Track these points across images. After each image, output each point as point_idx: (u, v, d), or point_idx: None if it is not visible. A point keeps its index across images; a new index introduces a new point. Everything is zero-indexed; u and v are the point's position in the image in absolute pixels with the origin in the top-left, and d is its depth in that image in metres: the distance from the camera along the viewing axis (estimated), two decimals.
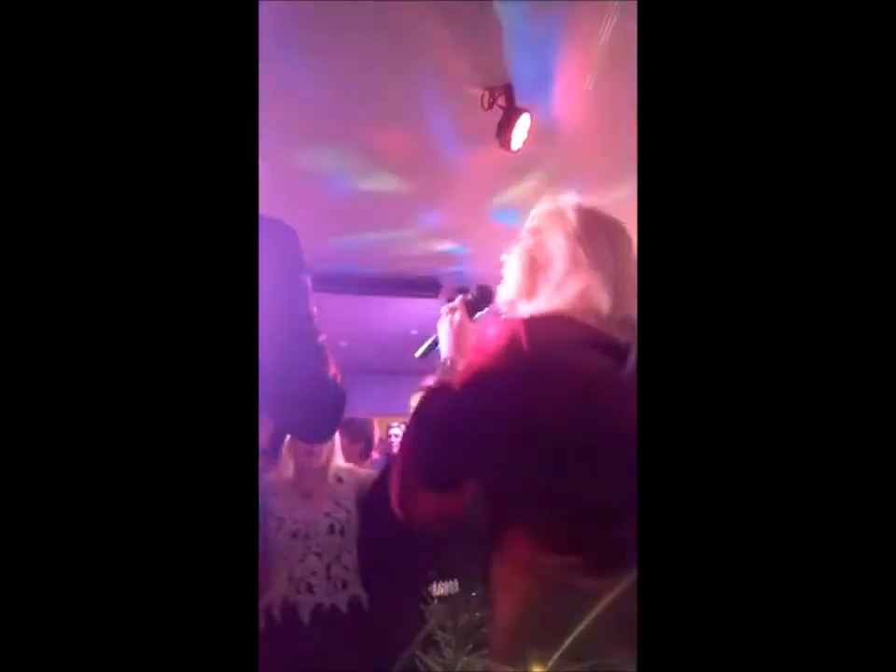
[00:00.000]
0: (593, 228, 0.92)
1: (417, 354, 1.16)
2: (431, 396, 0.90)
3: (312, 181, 3.08)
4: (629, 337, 0.80)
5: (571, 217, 0.94)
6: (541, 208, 0.99)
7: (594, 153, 2.86)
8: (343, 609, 1.79)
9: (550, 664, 0.70)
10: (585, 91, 2.42)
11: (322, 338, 0.93)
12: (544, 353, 0.80)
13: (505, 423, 0.79)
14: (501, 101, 2.42)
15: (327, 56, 2.23)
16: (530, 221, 0.99)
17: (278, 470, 2.00)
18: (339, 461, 2.02)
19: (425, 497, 0.82)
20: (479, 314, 1.09)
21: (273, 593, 1.78)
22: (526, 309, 0.93)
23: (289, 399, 0.90)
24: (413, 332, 5.50)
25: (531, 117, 2.44)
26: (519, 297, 0.96)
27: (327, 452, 1.97)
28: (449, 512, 0.83)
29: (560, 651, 0.70)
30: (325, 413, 0.97)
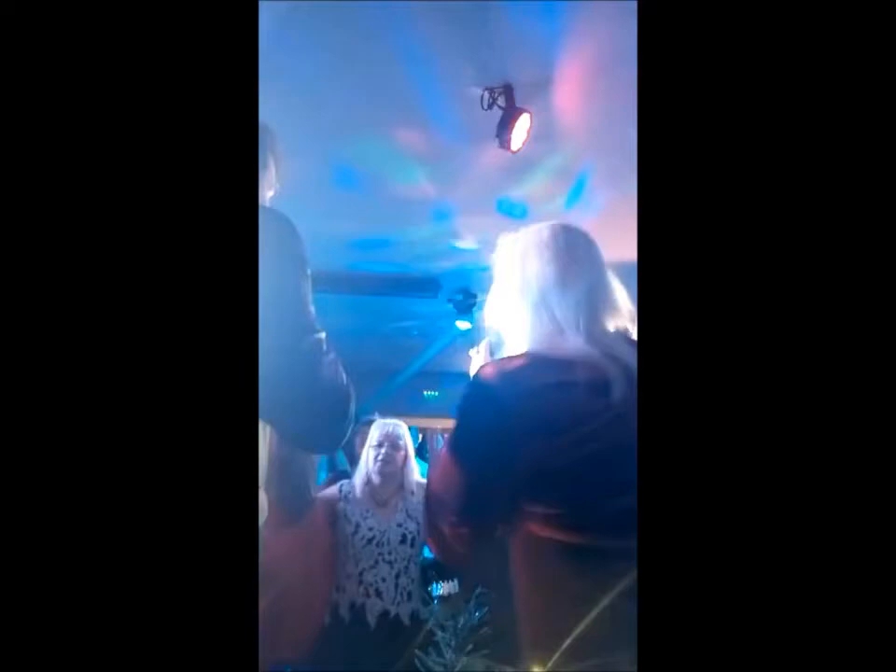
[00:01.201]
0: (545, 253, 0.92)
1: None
2: (444, 450, 0.91)
3: (313, 180, 3.08)
4: (607, 366, 0.79)
5: (521, 247, 0.95)
6: (503, 242, 1.00)
7: (594, 153, 2.86)
8: (406, 620, 1.86)
9: (550, 664, 0.70)
10: (585, 91, 2.42)
11: (322, 335, 0.88)
12: (518, 395, 0.79)
13: (500, 465, 0.78)
14: (501, 101, 2.42)
15: (326, 56, 2.23)
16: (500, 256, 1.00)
17: (357, 478, 2.09)
18: (414, 475, 2.11)
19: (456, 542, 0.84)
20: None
21: (343, 593, 1.86)
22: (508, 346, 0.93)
23: (291, 405, 0.85)
24: (414, 333, 5.50)
25: (531, 117, 2.44)
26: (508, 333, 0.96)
27: (402, 462, 2.07)
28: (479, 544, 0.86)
29: (560, 651, 0.70)
30: (330, 420, 0.90)
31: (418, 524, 1.97)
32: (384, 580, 1.87)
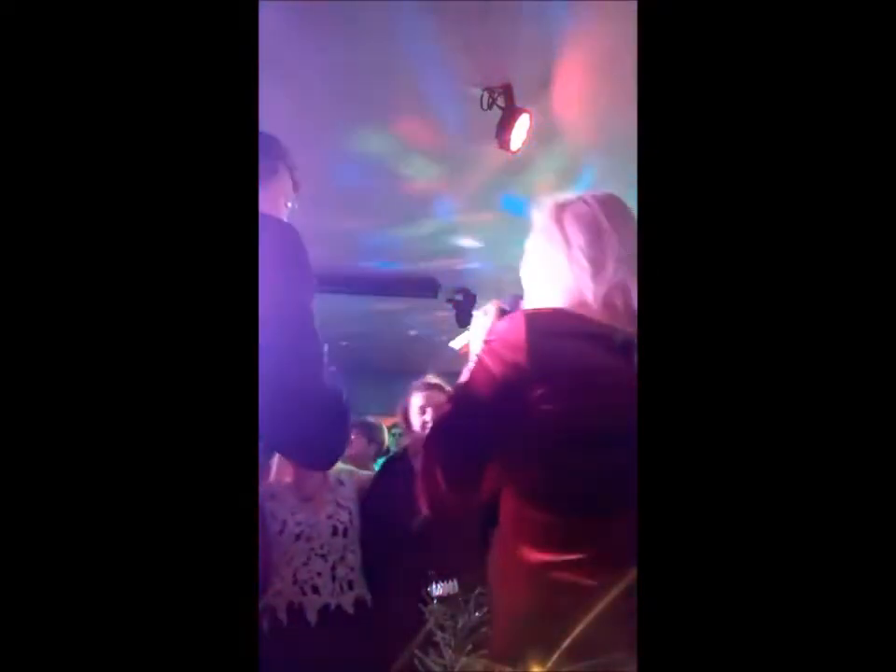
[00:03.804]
0: (578, 222, 0.93)
1: (453, 344, 1.17)
2: (451, 399, 0.92)
3: (312, 181, 3.08)
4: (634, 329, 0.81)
5: (553, 216, 0.95)
6: (534, 211, 1.01)
7: (594, 153, 2.86)
8: (350, 609, 1.80)
9: (550, 663, 0.70)
10: (585, 91, 2.43)
11: (324, 348, 0.89)
12: (543, 346, 0.80)
13: (507, 419, 0.79)
14: (501, 101, 2.42)
15: (326, 55, 2.23)
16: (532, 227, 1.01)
17: (278, 473, 2.00)
18: (339, 463, 2.01)
19: (450, 495, 0.84)
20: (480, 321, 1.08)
21: (278, 594, 1.76)
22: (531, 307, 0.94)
23: (291, 423, 0.85)
24: (412, 332, 5.50)
25: (531, 117, 2.44)
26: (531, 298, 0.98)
27: None
28: (471, 505, 0.88)
29: (560, 651, 0.70)
30: (328, 440, 0.91)
31: (350, 513, 1.90)
32: (319, 574, 1.79)
